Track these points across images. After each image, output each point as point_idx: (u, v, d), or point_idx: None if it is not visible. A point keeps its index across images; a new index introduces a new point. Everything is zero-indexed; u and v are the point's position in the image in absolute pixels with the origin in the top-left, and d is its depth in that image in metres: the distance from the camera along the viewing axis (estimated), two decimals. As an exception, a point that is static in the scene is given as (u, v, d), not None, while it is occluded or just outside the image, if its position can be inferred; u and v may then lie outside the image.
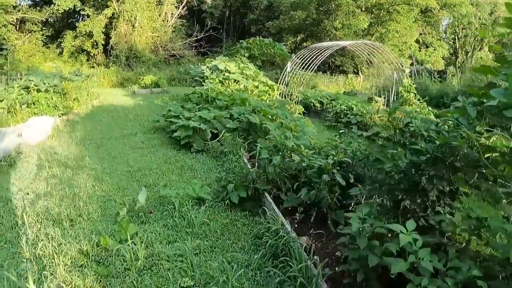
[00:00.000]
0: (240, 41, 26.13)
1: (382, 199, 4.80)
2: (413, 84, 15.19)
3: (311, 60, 17.45)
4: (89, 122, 13.62)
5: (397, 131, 4.46)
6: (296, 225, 5.70)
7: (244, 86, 16.44)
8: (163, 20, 36.64)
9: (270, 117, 10.39)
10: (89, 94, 17.42)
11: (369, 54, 20.54)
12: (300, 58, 18.56)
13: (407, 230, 3.63)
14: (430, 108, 14.92)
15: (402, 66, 17.29)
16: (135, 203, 6.41)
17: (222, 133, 10.54)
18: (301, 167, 6.35)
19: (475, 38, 53.97)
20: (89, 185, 7.53)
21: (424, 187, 4.29)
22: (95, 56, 34.61)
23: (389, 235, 4.12)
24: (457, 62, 53.98)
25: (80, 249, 5.05)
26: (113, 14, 33.00)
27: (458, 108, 4.15)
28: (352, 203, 6.25)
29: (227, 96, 13.64)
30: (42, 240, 5.22)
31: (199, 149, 10.28)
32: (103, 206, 6.59)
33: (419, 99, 14.79)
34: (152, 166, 8.94)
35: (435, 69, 42.15)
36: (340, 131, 7.71)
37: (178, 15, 37.53)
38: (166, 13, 36.60)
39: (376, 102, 15.69)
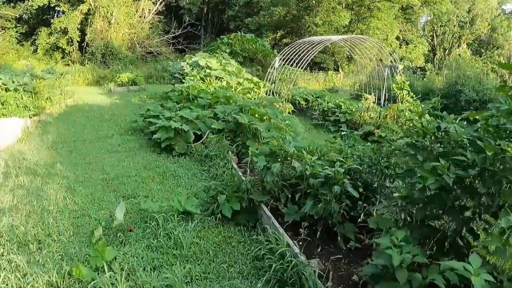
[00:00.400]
0: (221, 36, 25.24)
1: (409, 217, 4.08)
2: (407, 81, 14.57)
3: (301, 55, 16.71)
4: (62, 123, 12.63)
5: (432, 137, 3.71)
6: (300, 243, 4.97)
7: (227, 83, 15.62)
8: (140, 16, 35.51)
9: (258, 116, 9.56)
10: (63, 93, 16.45)
11: (353, 49, 19.95)
12: (288, 54, 17.81)
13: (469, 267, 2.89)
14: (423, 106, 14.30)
15: (395, 62, 16.66)
16: (112, 218, 5.57)
17: (206, 134, 9.71)
18: (304, 175, 5.57)
19: (453, 35, 54.28)
20: (60, 196, 6.62)
21: (463, 204, 3.58)
22: (70, 54, 33.30)
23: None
24: (435, 59, 54.21)
25: (49, 281, 4.19)
26: (88, 10, 31.76)
27: (506, 111, 3.45)
28: (361, 214, 5.55)
29: (209, 94, 12.82)
30: (4, 268, 4.38)
31: (181, 152, 9.39)
32: (75, 223, 5.70)
33: (412, 97, 14.17)
34: (131, 172, 8.04)
35: (414, 65, 42.04)
36: (342, 133, 6.93)
37: (155, 11, 36.47)
38: (143, 9, 35.50)
39: (366, 99, 15.02)
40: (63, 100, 15.71)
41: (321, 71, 38.77)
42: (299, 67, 16.93)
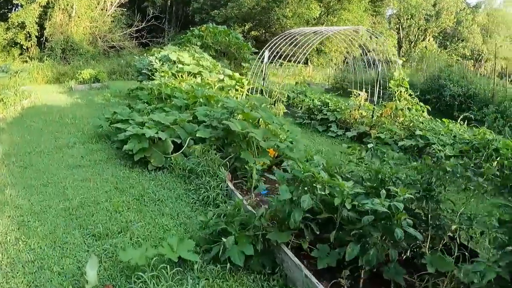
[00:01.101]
0: (191, 28, 23.60)
1: None
2: (405, 78, 13.31)
3: (291, 49, 15.45)
4: (16, 129, 10.82)
5: None
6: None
7: (201, 79, 14.04)
8: (102, 9, 33.41)
9: (251, 121, 7.99)
10: (18, 93, 14.65)
11: (346, 42, 18.83)
12: (276, 47, 16.48)
13: None
14: (422, 104, 13.17)
15: (394, 57, 15.45)
16: (81, 272, 4.05)
17: (187, 142, 8.16)
18: (339, 208, 4.17)
19: (419, 28, 54.59)
20: (11, 238, 4.96)
21: None
22: (29, 50, 31.00)
23: None
24: (401, 51, 54.24)
25: None
26: (47, 2, 29.48)
27: None
28: (408, 252, 4.31)
29: (185, 93, 11.25)
30: None
31: (159, 166, 7.83)
32: (32, 283, 4.09)
33: (410, 94, 12.98)
34: (99, 197, 6.40)
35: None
36: (369, 145, 5.54)
37: (118, 3, 34.46)
38: (105, 1, 33.47)
39: (357, 96, 13.79)
40: (18, 101, 13.93)
41: (289, 64, 37.73)
42: (294, 61, 15.66)
